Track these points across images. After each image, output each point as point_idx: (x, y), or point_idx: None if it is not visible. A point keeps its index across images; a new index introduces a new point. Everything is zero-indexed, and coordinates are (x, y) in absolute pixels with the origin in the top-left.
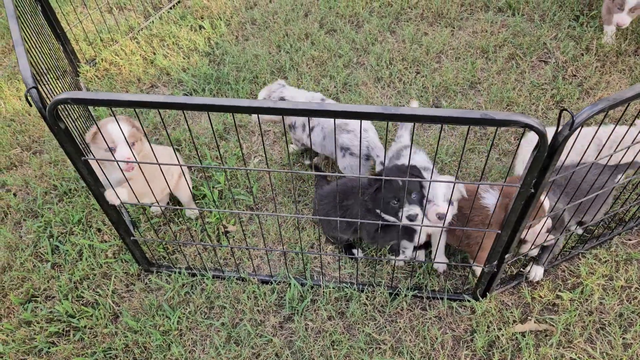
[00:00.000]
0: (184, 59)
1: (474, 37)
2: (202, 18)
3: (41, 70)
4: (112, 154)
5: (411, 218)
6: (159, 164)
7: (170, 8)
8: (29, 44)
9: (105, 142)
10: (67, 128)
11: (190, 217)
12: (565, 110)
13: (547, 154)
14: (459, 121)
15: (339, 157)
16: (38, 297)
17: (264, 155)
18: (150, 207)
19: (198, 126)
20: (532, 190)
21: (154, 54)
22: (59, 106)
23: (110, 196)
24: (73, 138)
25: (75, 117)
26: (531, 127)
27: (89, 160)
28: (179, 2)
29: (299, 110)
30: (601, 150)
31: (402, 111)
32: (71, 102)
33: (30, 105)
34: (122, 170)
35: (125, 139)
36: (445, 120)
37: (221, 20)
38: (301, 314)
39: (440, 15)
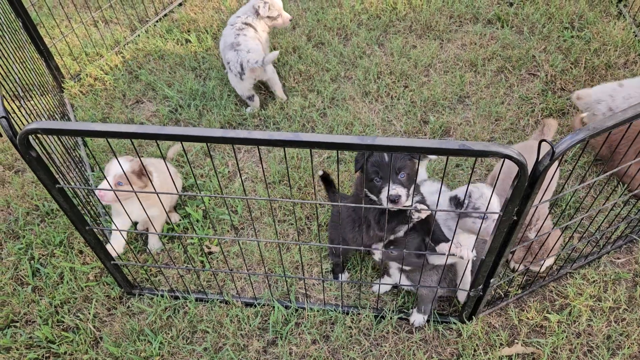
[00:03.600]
0: (169, 73)
1: (462, 50)
2: (188, 32)
3: (22, 88)
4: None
5: (393, 199)
6: (136, 191)
7: (157, 21)
8: (10, 61)
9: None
10: (40, 156)
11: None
12: (545, 141)
13: (528, 183)
14: (437, 152)
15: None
16: (18, 322)
17: (248, 173)
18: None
19: (183, 143)
20: (515, 218)
21: (140, 68)
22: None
23: (111, 250)
24: (46, 166)
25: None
26: (510, 158)
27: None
28: (165, 15)
29: (275, 140)
30: None
31: (379, 141)
32: (41, 132)
33: (1, 135)
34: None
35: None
36: (423, 151)
37: (208, 33)
38: (285, 338)
39: (429, 28)
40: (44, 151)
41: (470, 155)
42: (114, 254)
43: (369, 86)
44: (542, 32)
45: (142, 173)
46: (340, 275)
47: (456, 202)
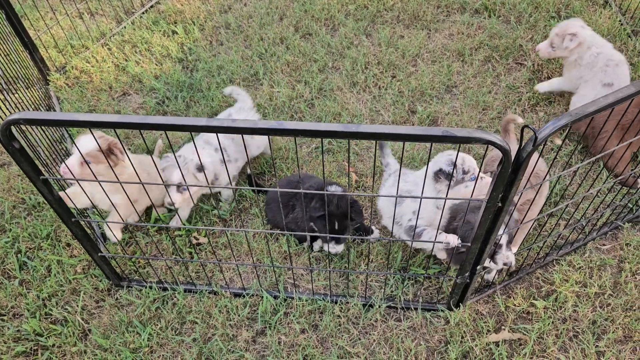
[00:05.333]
0: (156, 65)
1: (450, 40)
2: (175, 23)
3: (5, 81)
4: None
5: (334, 253)
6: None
7: (143, 13)
8: None
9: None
10: (23, 148)
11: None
12: (527, 126)
13: (511, 169)
14: (421, 139)
15: None
16: (5, 315)
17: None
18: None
19: (172, 134)
20: (500, 204)
21: (126, 60)
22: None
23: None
24: (29, 157)
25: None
26: (493, 144)
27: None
28: (152, 6)
29: (259, 129)
30: None
31: (363, 129)
32: (24, 122)
33: None
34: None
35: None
36: (407, 138)
37: (194, 25)
38: (274, 328)
39: (417, 18)
40: (28, 144)
41: (454, 141)
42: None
43: (357, 76)
44: (529, 21)
45: (111, 151)
46: (316, 246)
47: (445, 175)
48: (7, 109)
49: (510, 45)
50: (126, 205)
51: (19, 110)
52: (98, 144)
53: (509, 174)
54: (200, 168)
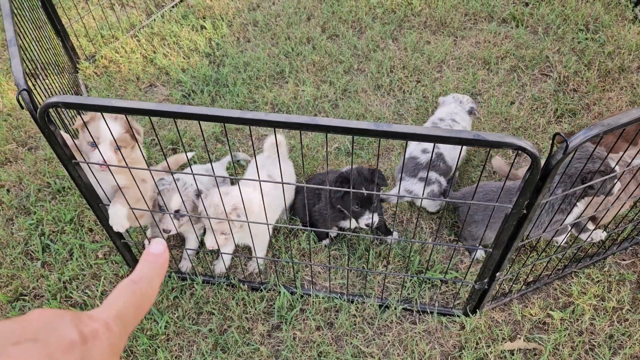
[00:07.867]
0: (184, 59)
1: (476, 48)
2: (204, 18)
3: (39, 66)
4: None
5: (368, 225)
6: (129, 167)
7: (173, 6)
8: (27, 39)
9: (91, 135)
10: (58, 131)
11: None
12: (559, 134)
13: (540, 176)
14: (451, 141)
15: None
16: (26, 295)
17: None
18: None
19: (195, 127)
20: (525, 212)
21: (154, 52)
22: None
23: (116, 225)
24: (64, 140)
25: (73, 114)
26: (524, 150)
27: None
28: (181, 1)
29: (291, 123)
30: None
31: (394, 128)
32: (62, 105)
33: (22, 108)
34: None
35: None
36: (437, 140)
37: (223, 20)
38: (289, 323)
39: (444, 24)
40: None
41: (484, 145)
42: (119, 227)
43: (382, 79)
44: (557, 33)
45: (133, 136)
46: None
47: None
48: (38, 94)
49: (537, 55)
50: (130, 189)
51: (49, 96)
52: (130, 125)
53: (537, 181)
54: (199, 194)
